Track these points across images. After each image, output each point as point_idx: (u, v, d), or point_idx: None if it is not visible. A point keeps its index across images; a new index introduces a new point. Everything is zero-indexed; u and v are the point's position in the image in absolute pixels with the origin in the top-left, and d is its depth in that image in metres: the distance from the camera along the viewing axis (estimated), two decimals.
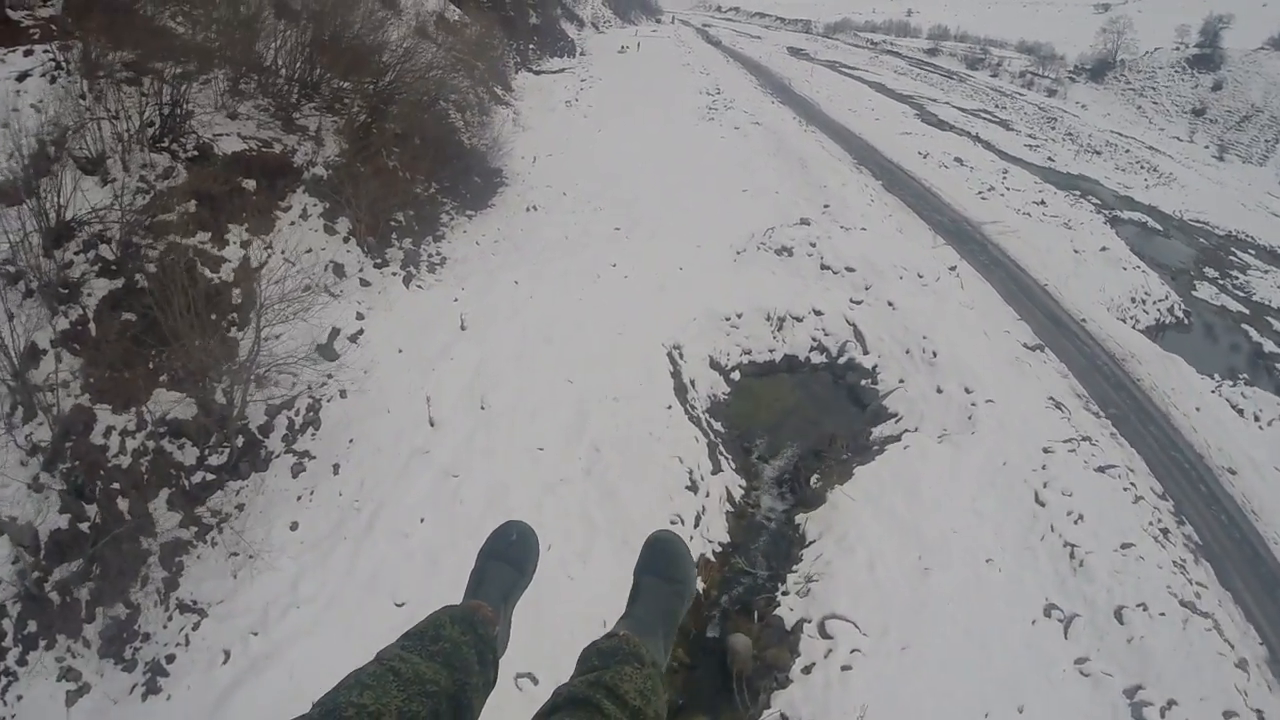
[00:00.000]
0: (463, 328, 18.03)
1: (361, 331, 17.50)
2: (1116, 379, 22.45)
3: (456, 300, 18.96)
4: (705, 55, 68.93)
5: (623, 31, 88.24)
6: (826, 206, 27.09)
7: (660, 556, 2.04)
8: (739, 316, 20.49)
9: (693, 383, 18.55)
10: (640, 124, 37.11)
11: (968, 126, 55.92)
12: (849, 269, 22.39)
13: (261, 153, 19.99)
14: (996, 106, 73.41)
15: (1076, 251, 31.55)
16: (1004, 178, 42.20)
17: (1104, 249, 32.31)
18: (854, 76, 71.12)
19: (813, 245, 22.94)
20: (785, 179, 30.47)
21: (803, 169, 31.36)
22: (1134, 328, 27.72)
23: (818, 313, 21.12)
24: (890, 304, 21.51)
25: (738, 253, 23.76)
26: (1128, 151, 63.82)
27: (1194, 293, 35.21)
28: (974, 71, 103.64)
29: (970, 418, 18.14)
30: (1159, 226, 44.64)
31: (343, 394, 15.96)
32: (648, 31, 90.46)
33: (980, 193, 34.35)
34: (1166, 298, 31.60)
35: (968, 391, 18.78)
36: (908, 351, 20.13)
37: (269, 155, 20.21)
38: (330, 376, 16.17)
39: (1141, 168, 61.14)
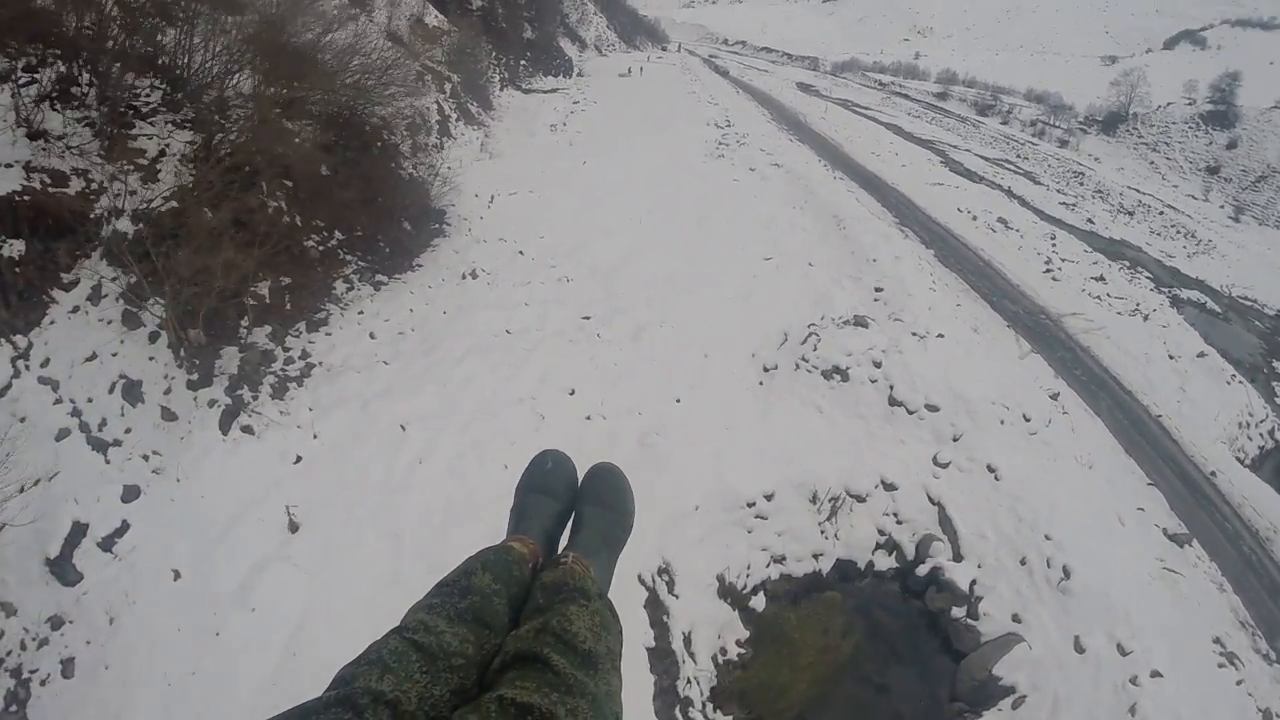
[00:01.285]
0: (292, 527, 9.68)
1: (124, 529, 9.33)
2: (1273, 582, 15.07)
3: (298, 462, 10.72)
4: (713, 84, 61.03)
5: (626, 56, 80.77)
6: (880, 291, 18.79)
7: (601, 485, 1.92)
8: (768, 499, 12.02)
9: (688, 641, 10.13)
10: (636, 157, 29.05)
11: (997, 179, 48.66)
12: (930, 406, 14.07)
13: (46, 194, 12.20)
14: (1018, 157, 66.35)
15: (1172, 358, 24.25)
16: (1053, 244, 35.00)
17: (1201, 354, 25.09)
18: (868, 116, 64.18)
19: (877, 365, 14.61)
20: (821, 244, 22.33)
21: (839, 230, 23.36)
22: (1242, 460, 20.70)
23: (888, 486, 12.87)
24: (991, 470, 13.32)
25: (764, 369, 15.07)
26: (1161, 214, 56.76)
27: (1276, 398, 28.44)
28: (984, 118, 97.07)
29: (1133, 713, 10.53)
30: (1216, 308, 37.84)
31: (66, 670, 8.18)
32: (653, 58, 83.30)
33: (1047, 270, 26.87)
34: (1267, 418, 24.58)
35: (1122, 653, 11.04)
36: (1023, 562, 11.92)
37: (55, 199, 12.38)
38: (59, 628, 8.44)
39: (1178, 233, 54.06)
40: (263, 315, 13.94)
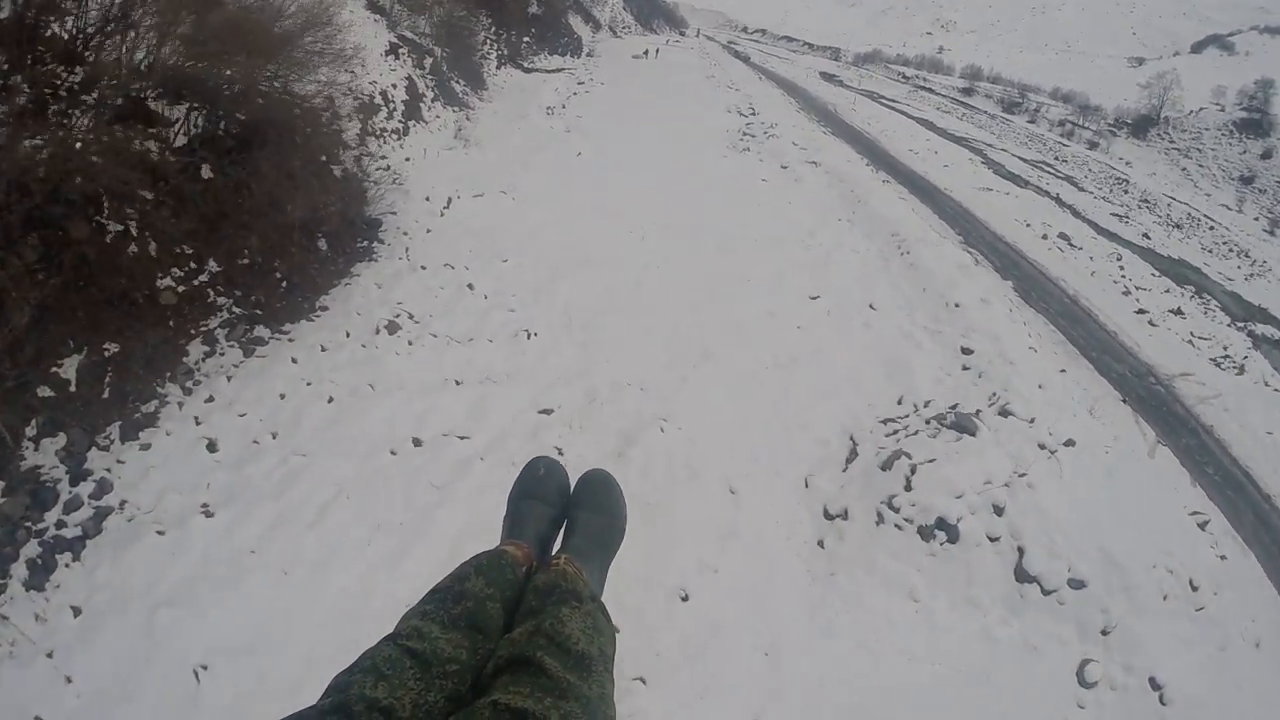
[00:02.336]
0: None
1: None
2: None
3: None
4: (733, 69, 54.77)
5: (642, 39, 74.61)
6: (969, 354, 12.73)
7: (593, 491, 1.88)
8: None
9: None
10: (643, 148, 22.87)
11: (1042, 184, 43.06)
12: (1075, 581, 8.41)
13: None
14: (1056, 159, 60.35)
15: None
16: (1121, 267, 29.51)
17: None
18: (897, 110, 58.29)
19: (999, 510, 8.90)
20: (880, 274, 15.96)
21: (901, 254, 16.93)
22: None
23: None
24: (1156, 686, 7.88)
25: (826, 515, 9.02)
26: (1212, 229, 50.92)
27: None
28: (1010, 115, 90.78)
29: None
30: None
31: None
32: (670, 41, 77.08)
33: (1139, 310, 21.30)
34: None
35: None
36: None
37: None
38: None
39: (1230, 250, 47.94)
40: (62, 412, 8.55)
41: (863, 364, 11.72)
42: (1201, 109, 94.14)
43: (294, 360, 9.71)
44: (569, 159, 19.86)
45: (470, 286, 12.38)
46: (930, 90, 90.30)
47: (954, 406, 10.63)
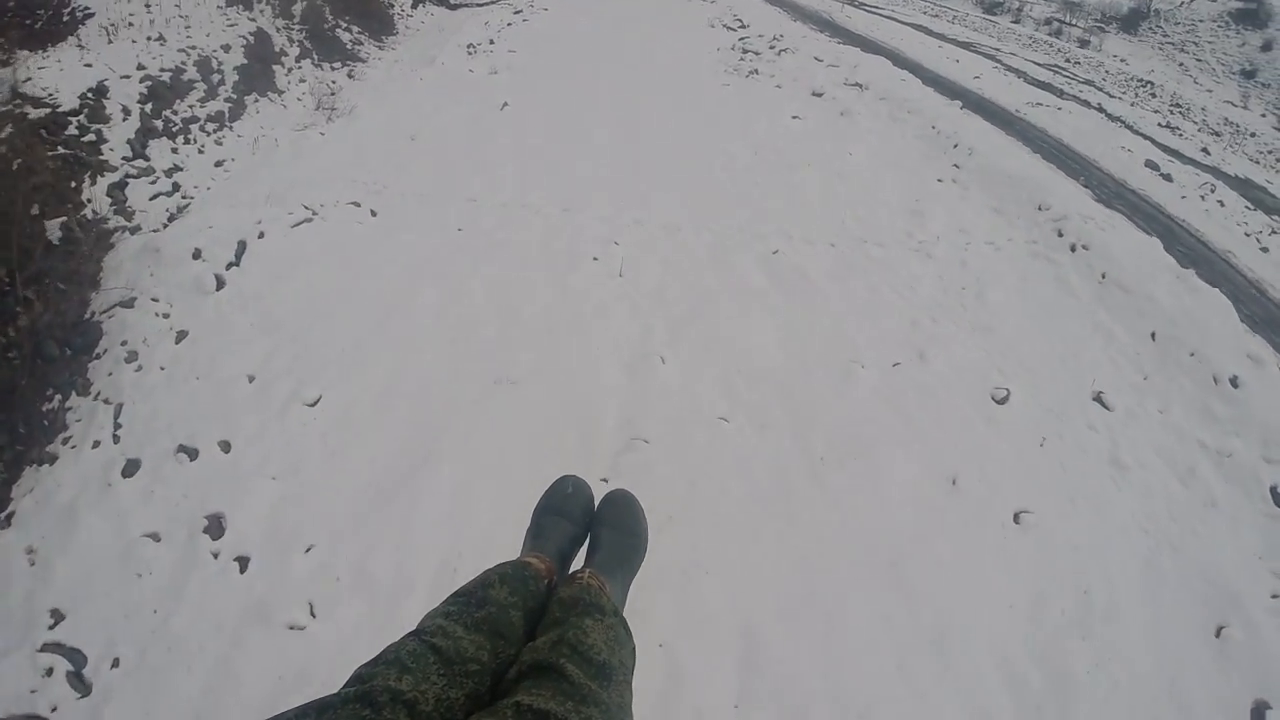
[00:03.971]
0: None
1: None
2: None
3: None
4: None
5: None
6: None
7: (617, 510, 1.85)
8: None
9: None
10: (604, 86, 13.47)
11: (1078, 93, 35.19)
12: None
13: None
14: (1068, 61, 52.16)
15: None
16: (1219, 200, 22.10)
17: None
18: (883, 16, 49.38)
19: None
20: (1066, 308, 7.51)
21: (1071, 250, 8.34)
22: None
23: None
24: None
25: None
26: (1254, 135, 43.51)
27: None
28: (993, 16, 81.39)
29: None
30: None
31: None
32: None
33: None
34: None
35: None
36: None
37: None
38: None
39: (1277, 160, 41.23)
40: None
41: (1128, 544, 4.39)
42: None
43: None
44: (489, 117, 11.57)
45: (218, 530, 4.50)
46: None
47: None
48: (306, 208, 7.84)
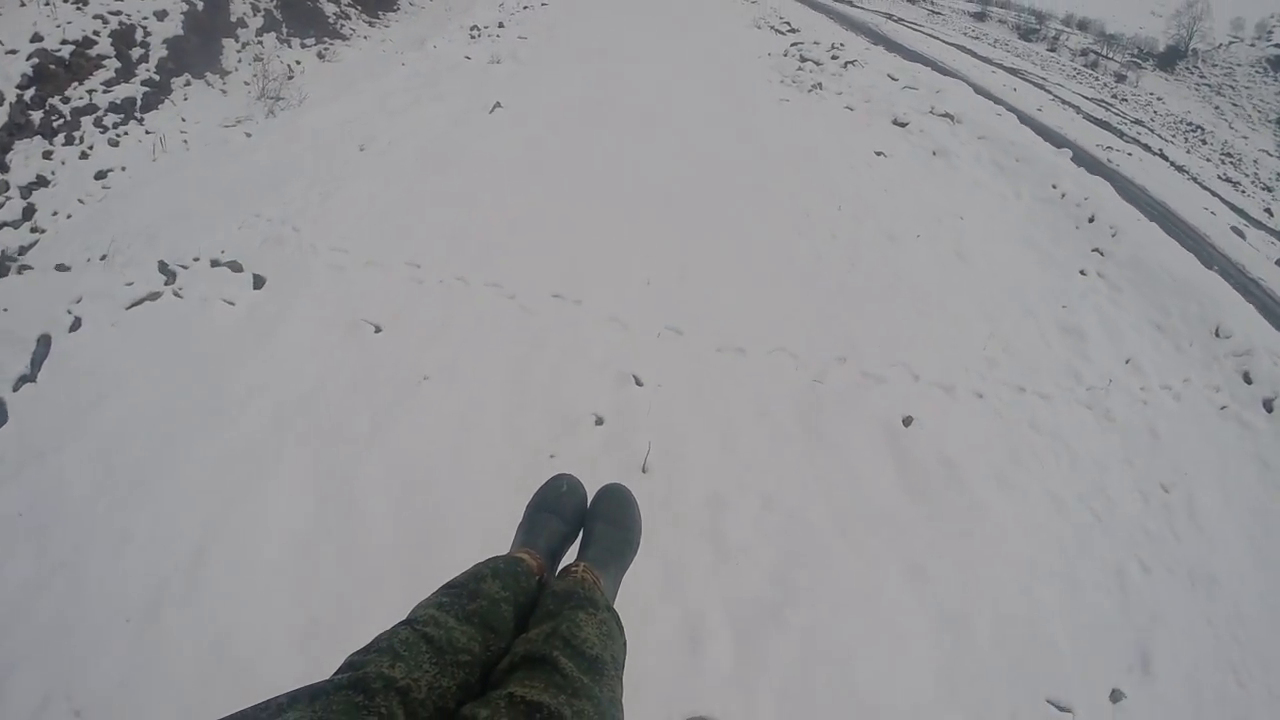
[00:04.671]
0: None
1: None
2: None
3: None
4: None
5: None
6: None
7: (610, 504, 1.80)
8: None
9: None
10: (622, 90, 9.80)
11: (1137, 135, 31.83)
12: None
13: None
14: (1113, 97, 48.87)
15: None
16: None
17: None
18: (927, 33, 45.71)
19: None
20: None
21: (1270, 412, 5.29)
22: None
23: None
24: None
25: None
26: None
27: None
28: (1028, 42, 77.94)
29: None
30: None
31: None
32: None
33: None
34: None
35: None
36: None
37: None
38: None
39: None
40: None
41: None
42: (1231, 43, 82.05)
43: None
44: (473, 120, 8.27)
45: None
46: (938, 13, 77.21)
47: None
48: (164, 270, 4.84)
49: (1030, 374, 5.21)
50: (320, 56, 12.30)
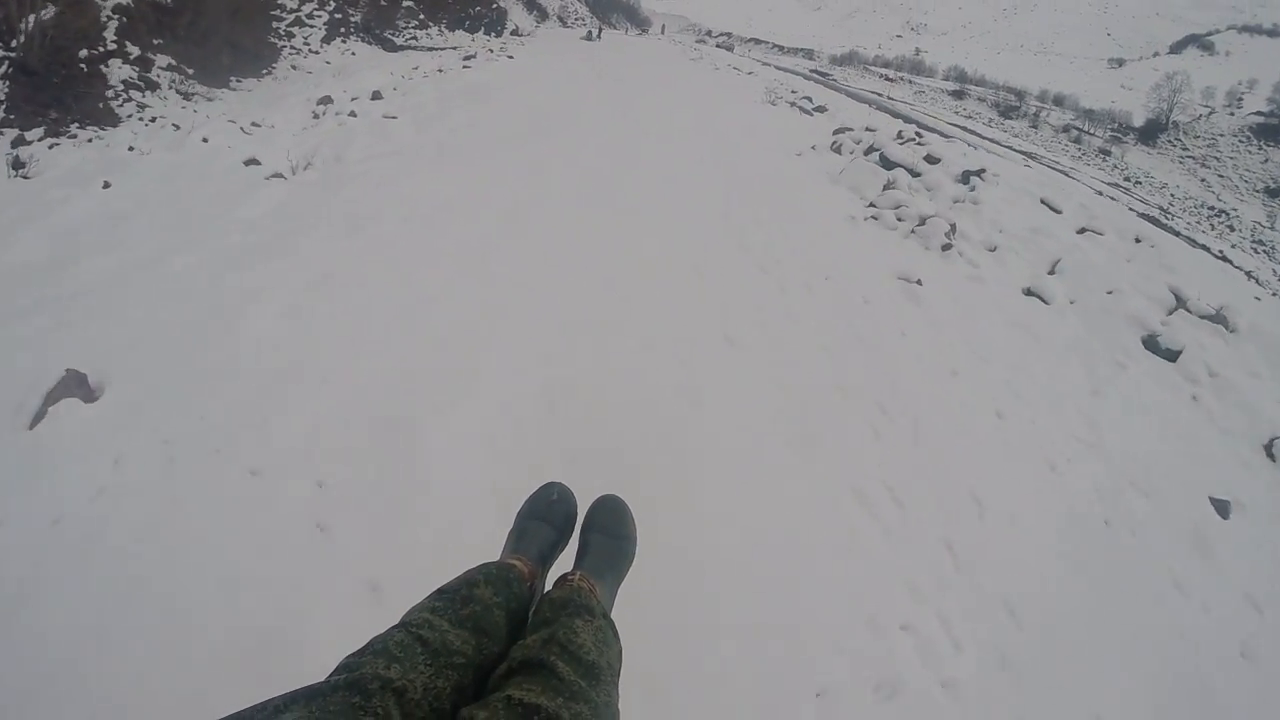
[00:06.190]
0: None
1: None
2: None
3: None
4: (724, 57, 37.71)
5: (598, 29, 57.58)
6: None
7: (606, 514, 1.73)
8: None
9: None
10: (565, 244, 4.29)
11: (1176, 226, 27.08)
12: None
13: None
14: (1126, 179, 44.85)
15: None
16: None
17: None
18: (922, 111, 41.86)
19: None
20: None
21: None
22: None
23: None
24: None
25: None
26: None
27: None
28: (1009, 119, 75.62)
29: None
30: None
31: None
32: (630, 33, 60.68)
33: None
34: None
35: None
36: None
37: None
38: None
39: None
40: None
41: None
42: (1212, 113, 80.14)
43: None
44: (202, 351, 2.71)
45: None
46: (920, 93, 75.02)
47: None
48: None
49: None
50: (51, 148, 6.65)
